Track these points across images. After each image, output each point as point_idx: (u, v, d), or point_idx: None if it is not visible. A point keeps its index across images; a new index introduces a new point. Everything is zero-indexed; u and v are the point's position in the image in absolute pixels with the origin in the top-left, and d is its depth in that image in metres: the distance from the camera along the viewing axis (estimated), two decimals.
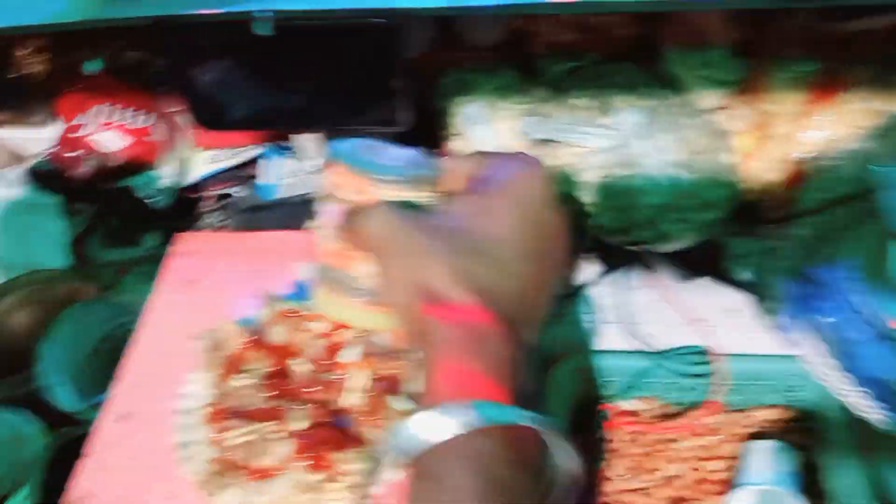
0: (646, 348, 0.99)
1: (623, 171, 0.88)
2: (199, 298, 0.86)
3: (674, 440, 0.98)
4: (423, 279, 0.47)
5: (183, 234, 0.95)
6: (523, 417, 0.44)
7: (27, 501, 0.85)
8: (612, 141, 0.88)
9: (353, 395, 0.71)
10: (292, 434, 0.68)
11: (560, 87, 0.95)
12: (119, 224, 1.07)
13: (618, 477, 0.96)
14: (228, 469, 0.67)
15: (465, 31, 1.01)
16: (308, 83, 0.82)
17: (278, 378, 0.74)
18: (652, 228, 0.89)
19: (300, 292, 0.83)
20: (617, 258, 0.98)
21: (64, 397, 0.89)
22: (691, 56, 0.91)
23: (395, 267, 0.49)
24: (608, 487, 0.95)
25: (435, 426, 0.43)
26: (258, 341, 0.76)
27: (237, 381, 0.73)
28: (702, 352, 0.97)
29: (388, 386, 0.71)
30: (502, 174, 0.51)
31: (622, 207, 0.88)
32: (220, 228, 1.06)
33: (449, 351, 0.46)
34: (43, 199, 1.05)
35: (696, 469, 0.96)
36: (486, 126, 0.99)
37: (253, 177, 1.07)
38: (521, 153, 0.54)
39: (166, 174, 1.04)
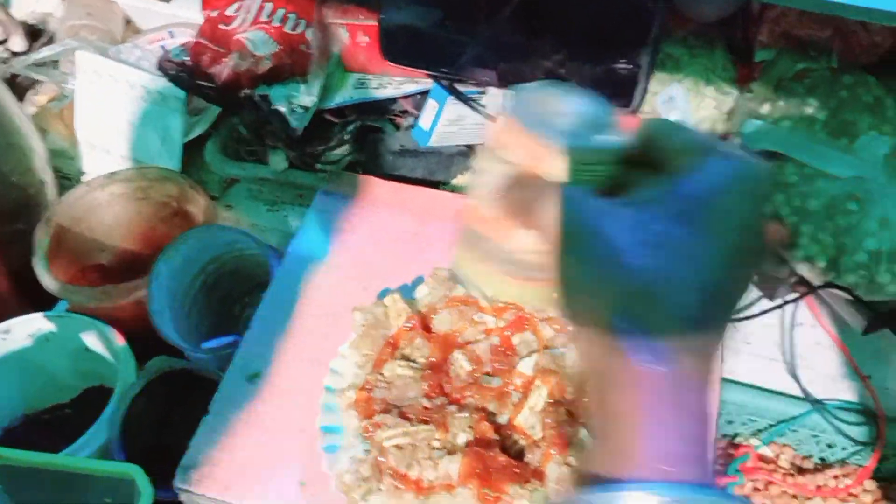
0: (801, 394, 0.89)
1: (852, 205, 0.76)
2: (351, 253, 0.76)
3: (806, 498, 0.89)
4: (621, 300, 0.37)
5: (330, 167, 0.84)
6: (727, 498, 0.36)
7: (104, 427, 0.77)
8: (850, 170, 0.76)
9: (526, 413, 0.61)
10: (459, 449, 0.58)
11: (788, 90, 0.82)
12: (247, 135, 0.96)
13: None
14: (379, 472, 0.58)
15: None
16: (529, 32, 0.69)
17: (439, 372, 0.64)
18: (865, 275, 0.78)
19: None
20: (801, 292, 0.87)
21: (167, 327, 0.80)
22: None
23: (585, 271, 0.38)
24: None
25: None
26: (422, 325, 0.65)
27: (394, 369, 0.63)
28: (865, 411, 0.88)
29: (568, 414, 0.61)
30: (716, 175, 0.39)
31: (839, 245, 0.77)
32: (355, 164, 0.95)
33: (652, 411, 0.36)
34: (170, 92, 0.94)
35: None
36: (685, 113, 0.87)
37: (400, 115, 0.95)
38: (744, 151, 0.41)
39: (309, 91, 0.92)
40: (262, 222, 1.00)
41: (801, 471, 0.91)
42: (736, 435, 0.93)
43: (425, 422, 0.61)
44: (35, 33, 1.17)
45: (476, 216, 0.45)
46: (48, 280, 0.87)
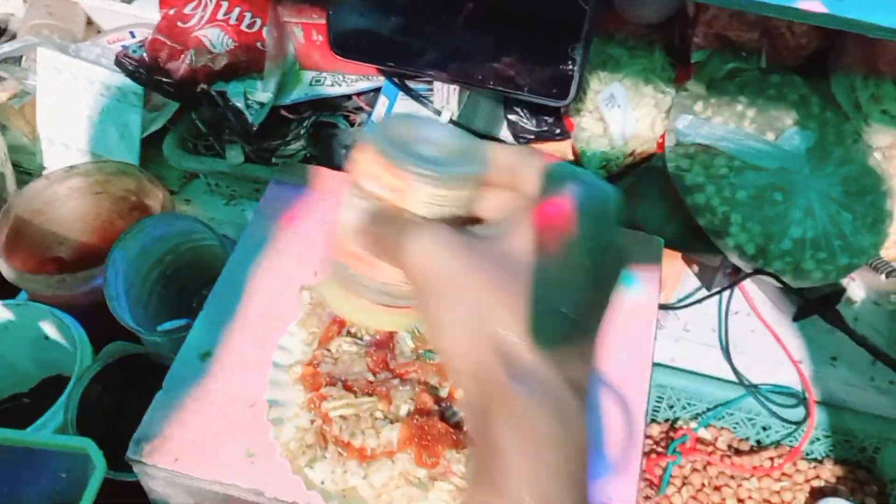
0: (736, 379, 0.93)
1: (778, 195, 0.80)
2: (301, 238, 0.78)
3: (743, 478, 0.93)
4: (496, 334, 0.36)
5: (285, 160, 0.87)
6: None
7: (61, 410, 0.79)
8: (774, 161, 0.80)
9: None
10: (401, 419, 0.61)
11: (720, 88, 0.86)
12: (205, 130, 0.99)
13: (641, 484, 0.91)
14: (323, 441, 0.61)
15: (625, 1, 0.91)
16: (475, 32, 0.73)
17: (383, 349, 0.67)
18: (790, 262, 0.82)
19: None
20: (732, 279, 0.91)
21: (123, 311, 0.82)
22: (871, 85, 0.83)
23: (455, 312, 0.38)
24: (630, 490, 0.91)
25: None
26: None
27: (340, 345, 0.66)
28: (795, 395, 0.92)
29: None
30: (570, 199, 0.40)
31: (766, 234, 0.81)
32: (309, 158, 0.98)
33: (525, 445, 0.37)
34: (128, 88, 0.96)
35: None
36: (626, 110, 0.91)
37: (354, 111, 0.99)
38: (583, 170, 0.42)
39: (265, 88, 0.95)
40: (220, 216, 1.02)
41: (738, 452, 0.95)
42: (676, 419, 0.97)
43: (369, 394, 0.64)
44: None
45: (343, 250, 0.44)
46: (6, 269, 0.89)
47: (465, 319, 0.37)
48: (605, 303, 0.39)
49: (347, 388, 0.64)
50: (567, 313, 0.37)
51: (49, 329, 0.90)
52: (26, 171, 1.07)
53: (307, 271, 0.75)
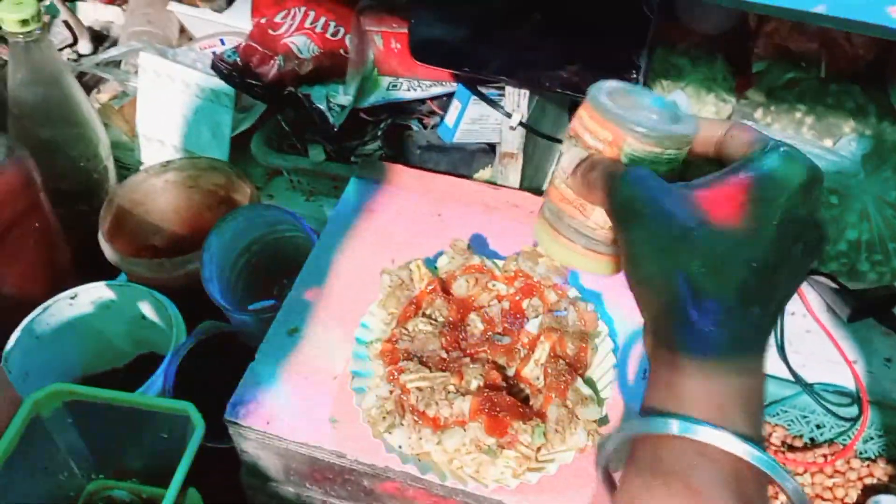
0: (791, 378, 0.96)
1: (833, 199, 0.84)
2: (379, 229, 0.85)
3: (796, 473, 0.96)
4: (686, 268, 0.41)
5: (363, 158, 0.94)
6: (777, 469, 0.42)
7: (160, 379, 0.87)
8: (830, 166, 0.84)
9: (531, 365, 0.70)
10: (471, 392, 0.67)
11: (780, 97, 0.90)
12: (289, 130, 1.06)
13: None
14: (401, 409, 0.67)
15: (686, 11, 0.96)
16: (543, 40, 0.78)
17: (455, 331, 0.73)
18: (846, 263, 0.85)
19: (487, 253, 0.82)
20: None
21: (217, 292, 0.90)
22: None
23: (650, 246, 0.43)
24: None
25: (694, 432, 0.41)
26: (441, 289, 0.75)
27: (416, 325, 0.72)
28: (849, 394, 0.95)
29: (567, 366, 0.69)
30: (768, 166, 0.44)
31: None
32: (385, 157, 1.05)
33: (708, 369, 0.43)
34: (221, 90, 1.05)
35: None
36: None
37: (427, 114, 1.05)
38: (789, 144, 0.44)
39: (346, 91, 1.02)
40: (300, 211, 1.10)
41: (792, 448, 0.98)
42: None
43: (442, 370, 0.70)
44: (99, 38, 1.29)
45: (558, 195, 0.51)
46: (110, 252, 0.98)
47: (658, 253, 0.42)
48: (790, 276, 0.43)
49: (423, 364, 0.70)
50: (751, 268, 0.41)
51: (146, 309, 0.98)
52: (125, 166, 1.16)
53: (385, 258, 0.82)
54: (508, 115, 0.88)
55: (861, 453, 0.97)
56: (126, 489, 0.80)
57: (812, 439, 0.99)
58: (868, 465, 0.96)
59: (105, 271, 1.01)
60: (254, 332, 0.85)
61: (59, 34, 1.26)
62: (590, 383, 0.69)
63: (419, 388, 0.68)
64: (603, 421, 0.68)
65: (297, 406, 0.71)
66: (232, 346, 0.91)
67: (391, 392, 0.68)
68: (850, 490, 0.95)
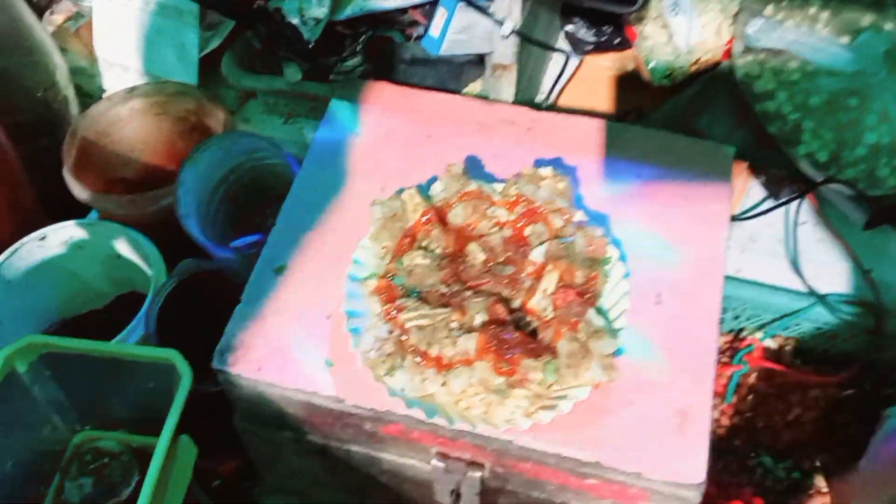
0: (805, 289, 0.93)
1: (852, 100, 0.78)
2: (366, 155, 0.79)
3: (809, 387, 0.93)
4: None
5: (343, 76, 0.86)
6: None
7: (141, 324, 0.82)
8: (849, 65, 0.78)
9: (538, 297, 0.65)
10: (476, 329, 0.62)
11: None
12: (261, 48, 0.98)
13: (746, 412, 0.92)
14: (402, 350, 0.62)
15: None
16: None
17: (455, 262, 0.68)
18: (864, 169, 0.80)
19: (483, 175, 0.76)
20: (802, 189, 0.89)
21: (195, 229, 0.84)
22: None
23: None
24: (734, 420, 0.92)
25: None
26: (437, 219, 0.69)
27: (413, 258, 0.67)
28: (865, 303, 0.91)
29: (576, 295, 0.64)
30: None
31: (839, 140, 0.79)
32: (367, 74, 0.97)
33: None
34: (184, 6, 0.96)
35: (823, 418, 0.92)
36: (690, 17, 0.88)
37: (410, 24, 0.97)
38: None
39: (321, 3, 0.93)
40: (278, 135, 1.03)
41: (805, 362, 0.95)
42: (741, 330, 0.97)
43: (443, 306, 0.65)
44: None
45: None
46: (79, 190, 0.91)
47: None
48: None
49: (422, 300, 0.65)
50: None
51: (121, 247, 0.93)
52: (86, 94, 1.08)
53: (374, 187, 0.76)
54: (500, 23, 0.81)
55: (878, 363, 0.95)
56: (114, 439, 0.76)
57: (826, 351, 0.96)
58: (883, 375, 0.93)
59: (75, 211, 0.95)
60: (238, 269, 0.80)
61: None
62: (602, 313, 0.65)
63: (420, 327, 0.63)
64: (618, 352, 0.64)
65: (290, 349, 0.67)
66: (217, 284, 0.85)
67: (390, 332, 0.63)
68: (867, 401, 0.93)
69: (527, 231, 0.69)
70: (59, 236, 0.91)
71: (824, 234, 0.93)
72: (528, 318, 0.66)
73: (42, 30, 0.99)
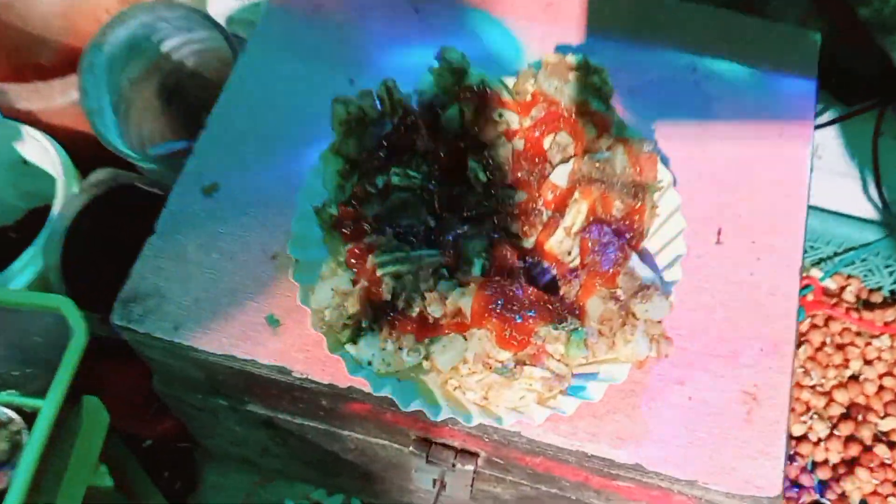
0: (878, 217, 0.75)
1: None
2: (330, 34, 0.59)
3: (872, 336, 0.77)
4: None
5: None
6: None
7: (40, 252, 0.64)
8: None
9: (560, 235, 0.47)
10: (474, 280, 0.44)
11: None
12: None
13: (797, 368, 0.76)
14: (370, 308, 0.45)
15: None
16: None
17: (447, 185, 0.49)
18: None
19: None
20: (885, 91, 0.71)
21: (108, 130, 0.65)
22: None
23: None
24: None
25: None
26: (425, 123, 0.50)
27: (389, 178, 0.48)
28: None
29: (613, 235, 0.46)
30: None
31: None
32: None
33: None
34: None
35: (886, 374, 0.76)
36: None
37: None
38: None
39: None
40: (233, 14, 0.82)
41: (869, 305, 0.79)
42: None
43: (430, 246, 0.47)
44: None
45: None
46: None
47: None
48: None
49: (400, 237, 0.47)
50: None
51: (28, 151, 0.74)
52: None
53: (341, 78, 0.57)
54: None
55: None
56: (2, 403, 0.59)
57: (893, 292, 0.79)
58: None
59: None
60: (169, 186, 0.62)
61: None
62: (651, 267, 0.47)
63: (396, 275, 0.45)
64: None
65: (220, 301, 0.49)
66: (142, 204, 0.67)
67: (354, 283, 0.45)
68: None
69: (546, 143, 0.50)
70: None
71: None
72: (546, 265, 0.48)
73: None
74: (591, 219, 0.47)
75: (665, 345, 0.44)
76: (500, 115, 0.51)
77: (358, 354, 0.45)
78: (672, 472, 0.45)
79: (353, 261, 0.46)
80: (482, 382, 0.44)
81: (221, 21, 0.79)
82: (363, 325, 0.45)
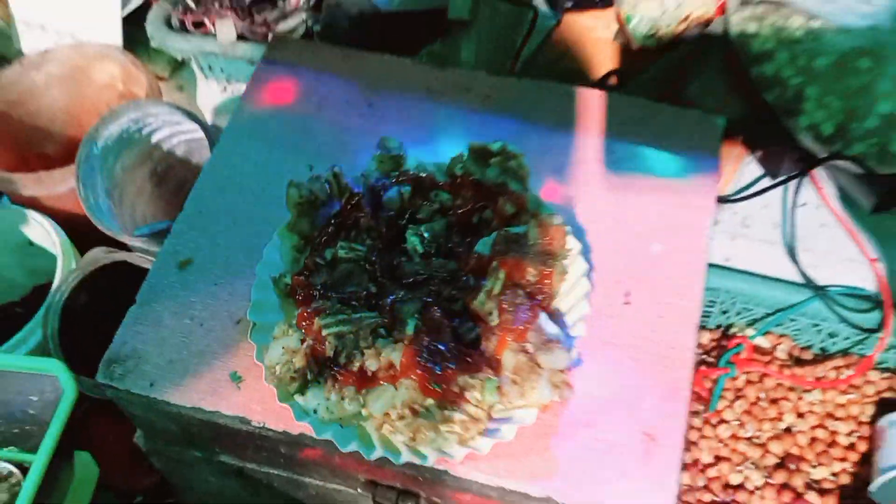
0: (802, 280, 0.82)
1: (864, 62, 0.66)
2: (294, 126, 0.68)
3: (804, 390, 0.83)
4: None
5: (278, 38, 0.75)
6: None
7: (39, 325, 0.72)
8: (863, 19, 0.66)
9: (482, 297, 0.55)
10: (407, 338, 0.52)
11: None
12: (192, 5, 0.86)
13: (732, 422, 0.82)
14: (315, 364, 0.52)
15: None
16: None
17: (388, 257, 0.57)
18: (875, 143, 0.69)
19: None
20: (802, 166, 0.78)
21: (101, 213, 0.73)
22: None
23: None
24: (717, 432, 0.82)
25: None
26: (369, 203, 0.58)
27: (336, 252, 0.56)
28: (869, 297, 0.80)
29: (528, 297, 0.54)
30: None
31: (848, 110, 0.68)
32: (310, 33, 0.86)
33: None
34: None
35: (817, 426, 0.82)
36: None
37: None
38: None
39: None
40: (218, 104, 0.92)
41: (800, 362, 0.85)
42: (730, 325, 0.87)
43: (371, 309, 0.54)
44: None
45: None
46: None
47: None
48: None
49: (344, 302, 0.54)
50: None
51: (33, 233, 0.82)
52: (4, 58, 0.97)
53: (301, 165, 0.65)
54: None
55: (880, 363, 0.84)
56: (4, 458, 0.66)
57: (823, 350, 0.86)
58: (888, 378, 0.83)
59: None
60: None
61: None
62: (557, 319, 0.54)
63: (339, 335, 0.52)
64: (576, 363, 0.53)
65: (190, 361, 0.56)
66: (134, 279, 0.75)
67: (302, 342, 0.53)
68: (867, 406, 0.83)
69: (474, 219, 0.58)
70: None
71: (826, 219, 0.82)
72: (471, 325, 0.55)
73: None
74: (509, 283, 0.55)
75: (567, 391, 0.51)
76: (435, 195, 0.59)
77: (305, 404, 0.52)
78: (576, 501, 0.51)
79: (303, 323, 0.53)
80: (410, 426, 0.51)
81: (209, 111, 0.89)
82: (309, 378, 0.52)
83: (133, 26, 0.91)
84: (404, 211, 0.59)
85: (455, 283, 0.56)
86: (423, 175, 0.59)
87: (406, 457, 0.50)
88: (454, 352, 0.51)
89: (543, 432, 0.53)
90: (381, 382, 0.51)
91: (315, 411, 0.52)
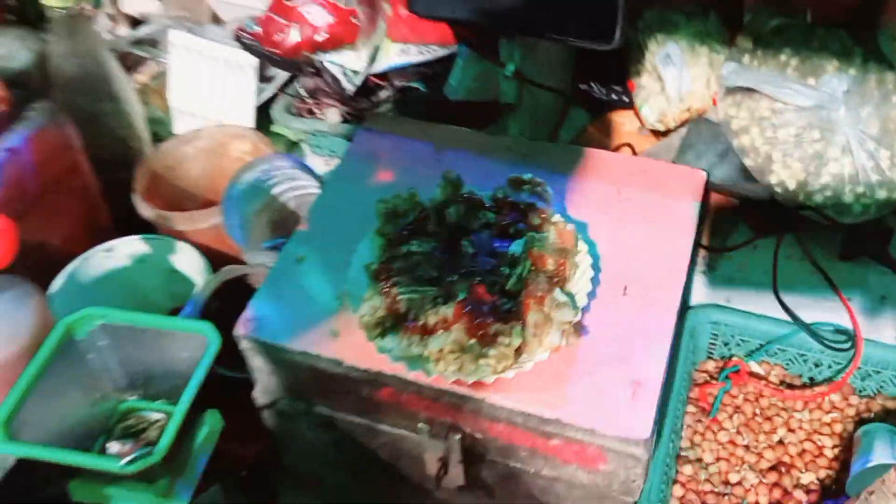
0: (787, 317, 0.99)
1: (815, 133, 0.87)
2: (381, 168, 0.92)
3: (794, 409, 0.98)
4: None
5: (372, 113, 1.00)
6: None
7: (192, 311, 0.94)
8: (813, 101, 0.88)
9: (514, 279, 0.75)
10: (459, 301, 0.72)
11: (766, 42, 0.94)
12: (307, 96, 1.14)
13: (731, 430, 0.97)
14: (392, 317, 0.73)
15: None
16: None
17: (447, 254, 0.79)
18: (831, 196, 0.89)
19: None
20: (781, 222, 0.98)
21: (235, 233, 0.97)
22: None
23: None
24: (719, 437, 0.97)
25: None
26: (435, 216, 0.80)
27: (410, 247, 0.78)
28: (846, 332, 0.97)
29: (547, 278, 0.74)
30: None
31: (806, 170, 0.88)
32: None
33: None
34: (245, 62, 1.13)
35: (806, 440, 0.96)
36: (681, 69, 1.00)
37: (435, 76, 1.12)
38: None
39: (359, 57, 1.09)
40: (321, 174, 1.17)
41: (791, 387, 1.00)
42: (731, 356, 1.03)
43: (433, 286, 0.76)
44: (138, 25, 1.39)
45: None
46: (145, 209, 1.06)
47: None
48: None
49: (414, 280, 0.76)
50: None
51: (179, 262, 1.07)
52: (161, 139, 1.25)
53: (387, 195, 0.88)
54: (503, 66, 0.94)
55: (860, 391, 0.99)
56: (157, 409, 0.87)
57: (811, 378, 1.01)
58: (866, 402, 0.98)
59: (142, 232, 1.10)
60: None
61: (102, 23, 1.37)
62: (568, 294, 0.74)
63: (409, 299, 0.73)
64: (578, 328, 0.73)
65: (301, 321, 0.78)
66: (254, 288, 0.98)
67: (384, 302, 0.74)
68: (848, 425, 0.97)
69: (510, 229, 0.80)
70: (125, 249, 1.06)
71: (807, 266, 1.00)
72: (505, 299, 0.75)
73: (128, 83, 1.17)
74: (534, 269, 0.75)
75: (572, 338, 0.70)
76: (483, 214, 0.81)
77: (384, 344, 0.73)
78: (580, 423, 0.69)
79: (384, 290, 0.75)
80: (458, 359, 0.71)
81: None
82: (387, 325, 0.73)
83: (261, 113, 1.19)
84: (460, 225, 0.81)
85: (495, 273, 0.77)
86: (475, 197, 0.81)
87: (453, 377, 0.70)
88: (492, 309, 0.72)
89: (558, 377, 0.72)
90: (437, 330, 0.72)
91: (391, 350, 0.72)
